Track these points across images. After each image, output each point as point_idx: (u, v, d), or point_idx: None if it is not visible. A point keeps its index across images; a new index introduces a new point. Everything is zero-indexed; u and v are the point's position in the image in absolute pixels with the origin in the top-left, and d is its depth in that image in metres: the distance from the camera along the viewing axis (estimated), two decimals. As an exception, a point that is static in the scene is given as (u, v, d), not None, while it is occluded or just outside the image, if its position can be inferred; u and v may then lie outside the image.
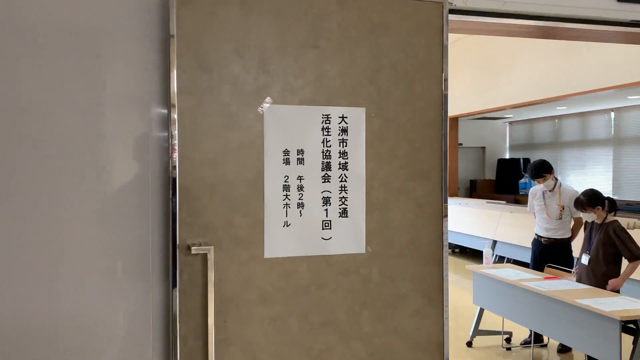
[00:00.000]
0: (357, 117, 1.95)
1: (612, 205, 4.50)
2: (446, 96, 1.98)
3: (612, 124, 10.25)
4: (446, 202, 1.97)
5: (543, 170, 5.05)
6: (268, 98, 1.92)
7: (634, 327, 3.64)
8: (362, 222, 1.95)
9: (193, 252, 1.86)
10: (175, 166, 1.84)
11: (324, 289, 1.93)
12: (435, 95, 1.97)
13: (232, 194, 1.90)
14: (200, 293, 1.88)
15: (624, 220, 7.27)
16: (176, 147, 1.84)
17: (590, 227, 4.57)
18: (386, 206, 1.95)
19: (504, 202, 10.10)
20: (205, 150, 1.88)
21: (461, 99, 11.13)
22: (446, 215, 1.98)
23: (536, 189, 5.24)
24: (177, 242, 1.85)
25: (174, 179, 1.84)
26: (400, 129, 1.95)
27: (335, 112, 1.96)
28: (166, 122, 1.89)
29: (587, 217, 4.52)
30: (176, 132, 1.85)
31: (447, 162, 1.99)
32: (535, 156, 12.24)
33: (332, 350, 1.92)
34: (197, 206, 1.87)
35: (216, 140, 1.89)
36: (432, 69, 1.98)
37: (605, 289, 4.27)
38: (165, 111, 1.89)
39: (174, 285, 1.85)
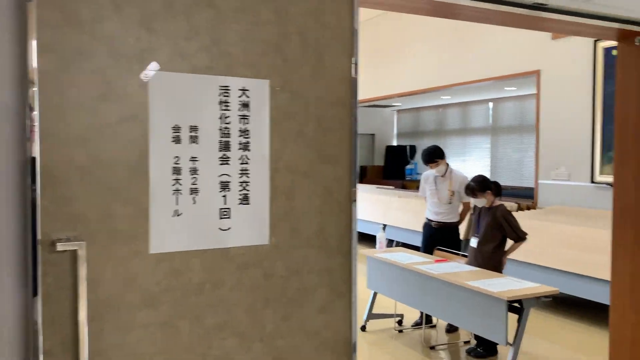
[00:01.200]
0: (260, 90, 1.70)
1: (498, 190, 4.66)
2: (356, 66, 1.78)
3: (491, 114, 10.87)
4: (355, 187, 1.79)
5: (436, 155, 5.12)
6: (154, 63, 1.60)
7: (519, 306, 3.77)
8: (266, 209, 1.71)
9: (59, 248, 1.50)
10: (34, 144, 1.47)
11: (220, 287, 1.67)
12: (346, 70, 1.77)
13: (108, 178, 1.56)
14: (70, 298, 1.53)
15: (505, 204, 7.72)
16: (36, 121, 1.47)
17: (478, 212, 4.70)
18: (292, 192, 1.72)
19: (393, 187, 10.36)
20: (73, 124, 1.52)
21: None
22: (355, 201, 1.80)
23: (428, 174, 5.31)
24: (39, 237, 1.49)
25: (33, 160, 1.47)
26: (308, 106, 1.73)
27: (234, 83, 1.68)
28: (23, 89, 1.50)
29: (478, 202, 4.63)
30: (36, 101, 1.48)
31: (357, 145, 1.80)
32: (421, 143, 12.70)
33: (230, 356, 1.68)
34: (64, 193, 1.51)
35: (88, 112, 1.54)
36: (344, 40, 1.77)
37: (492, 269, 4.42)
38: (22, 75, 1.50)
39: (35, 290, 1.49)
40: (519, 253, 5.76)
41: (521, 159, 10.02)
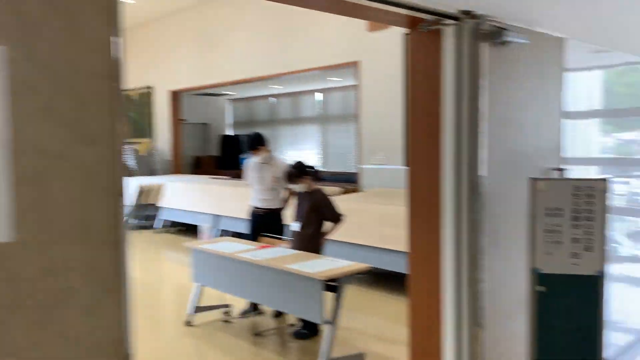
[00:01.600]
0: (-9, 57, 1.40)
1: (316, 175, 4.73)
2: (117, 31, 1.57)
3: (319, 104, 11.21)
4: (122, 171, 1.58)
5: (257, 142, 5.06)
6: None
7: (336, 285, 3.87)
8: (5, 199, 1.43)
9: None
10: None
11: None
12: (105, 34, 1.54)
13: None
14: None
15: (329, 189, 7.98)
16: None
17: (299, 196, 4.74)
18: (43, 177, 1.46)
19: (228, 177, 10.18)
20: None
21: (182, 74, 10.74)
22: (122, 189, 1.59)
23: (252, 162, 5.24)
24: None
25: None
26: (58, 78, 1.48)
27: (-43, 49, 1.37)
28: None
29: (298, 187, 4.67)
30: None
31: (123, 124, 1.60)
32: (255, 133, 12.67)
33: (-33, 378, 1.38)
34: None
35: None
36: (102, 8, 1.54)
37: (314, 251, 4.49)
38: None
39: None
40: (342, 234, 5.98)
41: (348, 147, 10.50)
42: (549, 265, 2.67)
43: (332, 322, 3.78)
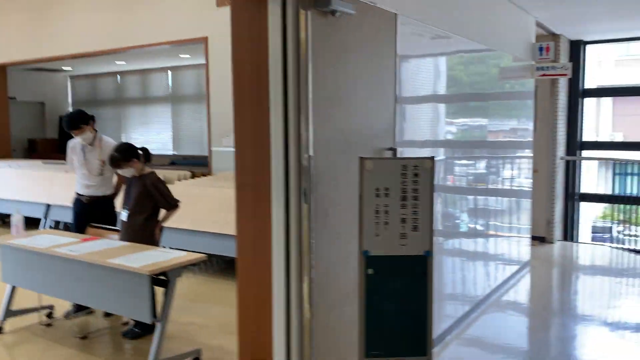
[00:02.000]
0: None
1: (147, 156, 4.26)
2: None
3: (170, 83, 10.49)
4: None
5: (80, 120, 4.42)
6: None
7: (166, 278, 3.48)
8: None
9: None
10: None
11: None
12: None
13: None
14: None
15: (178, 173, 7.46)
16: None
17: (129, 182, 4.24)
18: None
19: (65, 161, 9.10)
20: None
21: (10, 44, 9.35)
22: None
23: (75, 143, 4.60)
24: None
25: None
26: None
27: None
28: None
29: (125, 172, 4.17)
30: None
31: None
32: (100, 113, 11.56)
33: None
34: None
35: None
36: None
37: (146, 242, 4.04)
38: None
39: None
40: (185, 221, 5.56)
41: (201, 128, 9.98)
42: (378, 247, 2.55)
43: (162, 320, 3.40)
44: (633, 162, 7.18)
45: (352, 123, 2.83)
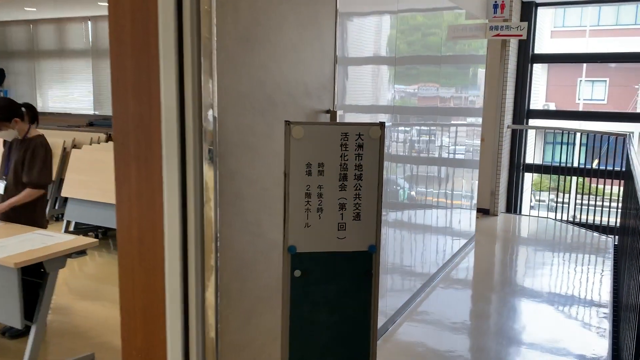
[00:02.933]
0: None
1: (34, 115, 3.39)
2: None
3: (90, 34, 9.26)
4: None
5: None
6: None
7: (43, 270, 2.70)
8: None
9: None
10: None
11: None
12: None
13: None
14: None
15: (94, 136, 6.49)
16: None
17: (9, 146, 3.37)
18: None
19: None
20: None
21: None
22: None
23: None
24: None
25: None
26: None
27: None
28: None
29: (5, 135, 3.28)
30: None
31: None
32: (10, 66, 10.17)
33: None
34: None
35: None
36: None
37: (27, 221, 3.21)
38: None
39: None
40: (91, 192, 4.75)
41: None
42: (308, 241, 1.90)
43: (36, 323, 2.64)
44: (577, 132, 6.85)
45: (277, 75, 2.11)
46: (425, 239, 4.35)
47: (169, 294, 1.86)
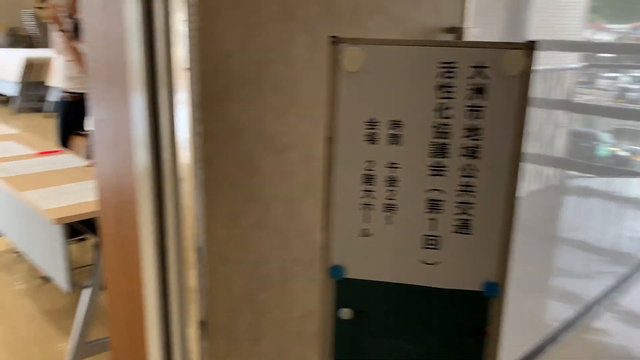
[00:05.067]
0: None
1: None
2: None
3: None
4: None
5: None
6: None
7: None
8: None
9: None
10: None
11: None
12: None
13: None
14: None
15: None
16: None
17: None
18: None
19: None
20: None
21: None
22: None
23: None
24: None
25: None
26: None
27: None
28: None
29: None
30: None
31: None
32: None
33: None
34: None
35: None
36: None
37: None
38: None
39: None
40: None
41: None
42: (366, 262, 1.03)
43: (93, 285, 2.21)
44: None
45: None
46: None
47: (150, 324, 1.16)
